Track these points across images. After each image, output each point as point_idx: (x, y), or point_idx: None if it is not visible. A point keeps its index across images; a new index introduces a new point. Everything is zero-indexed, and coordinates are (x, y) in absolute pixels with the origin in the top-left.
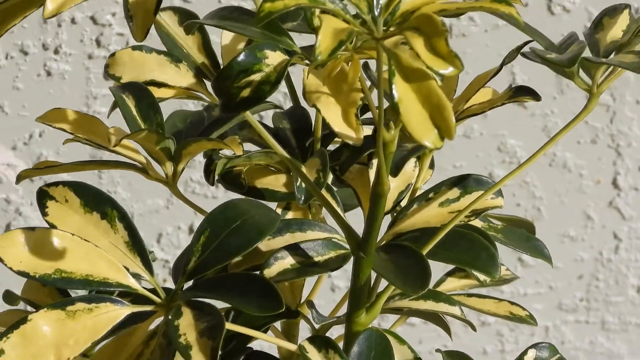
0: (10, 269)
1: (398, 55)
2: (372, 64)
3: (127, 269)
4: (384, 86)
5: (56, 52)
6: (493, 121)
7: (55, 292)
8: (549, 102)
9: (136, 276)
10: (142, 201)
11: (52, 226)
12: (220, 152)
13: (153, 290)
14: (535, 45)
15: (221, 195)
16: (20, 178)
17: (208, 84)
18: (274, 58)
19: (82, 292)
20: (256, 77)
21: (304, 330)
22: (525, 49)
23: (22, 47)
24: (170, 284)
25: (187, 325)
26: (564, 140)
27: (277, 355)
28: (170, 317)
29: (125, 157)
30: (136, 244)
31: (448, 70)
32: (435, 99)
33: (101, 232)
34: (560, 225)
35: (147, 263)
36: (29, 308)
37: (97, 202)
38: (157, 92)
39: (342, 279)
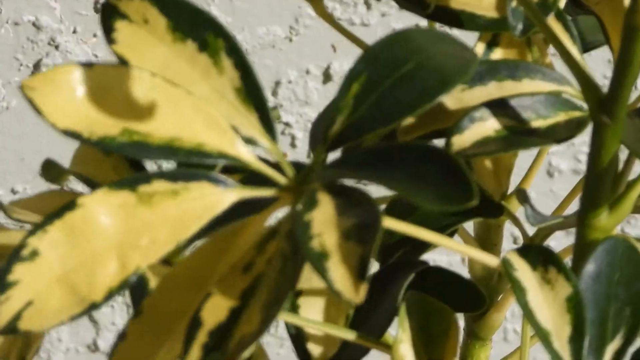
0: (53, 125)
1: None
2: None
3: (237, 131)
4: None
5: None
6: None
7: (123, 164)
8: None
9: (250, 142)
10: (250, 29)
11: (122, 60)
12: None
13: (275, 165)
14: None
15: (375, 22)
16: None
17: None
18: None
19: (165, 165)
20: None
21: (508, 239)
22: None
23: None
24: (296, 156)
25: (324, 221)
26: None
27: (466, 272)
28: (299, 207)
29: None
30: (252, 92)
31: None
32: None
33: (199, 71)
34: None
35: (267, 122)
36: (81, 188)
37: (193, 23)
38: None
39: (565, 157)
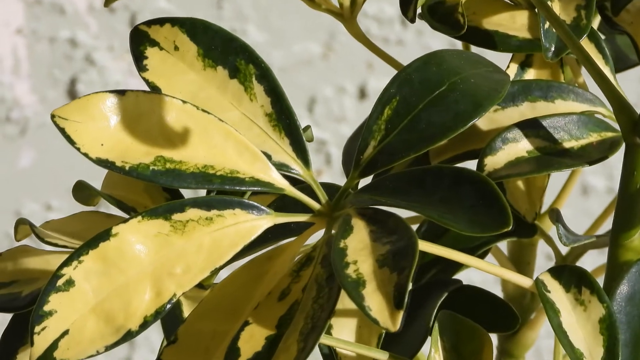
0: (86, 156)
1: None
2: None
3: (269, 157)
4: None
5: None
6: None
7: (155, 188)
8: None
9: (282, 167)
10: (286, 47)
11: (153, 88)
12: None
13: (308, 190)
14: None
15: (410, 39)
16: None
17: None
18: None
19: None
20: None
21: (541, 257)
22: None
23: None
24: (330, 178)
25: (359, 248)
26: None
27: (499, 292)
28: (333, 233)
29: None
30: (283, 118)
31: None
32: None
33: (229, 98)
34: None
35: (299, 147)
36: (112, 210)
37: (224, 50)
38: None
39: (600, 175)
